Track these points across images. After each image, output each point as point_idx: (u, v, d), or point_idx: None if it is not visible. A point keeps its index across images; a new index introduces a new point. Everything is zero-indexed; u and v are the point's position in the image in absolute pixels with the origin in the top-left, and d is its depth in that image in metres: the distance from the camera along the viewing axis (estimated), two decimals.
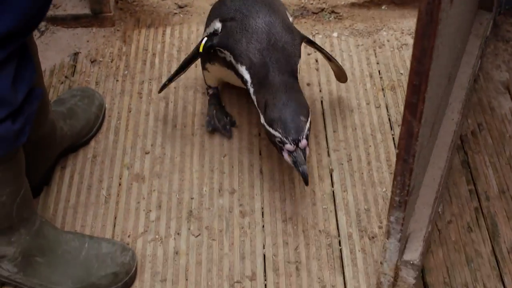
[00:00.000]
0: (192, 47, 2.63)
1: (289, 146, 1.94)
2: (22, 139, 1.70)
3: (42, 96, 1.75)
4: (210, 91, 2.39)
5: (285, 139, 1.94)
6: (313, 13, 2.80)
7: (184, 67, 2.24)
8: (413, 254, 1.89)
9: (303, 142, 1.94)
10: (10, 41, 1.55)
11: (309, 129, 1.97)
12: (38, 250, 1.94)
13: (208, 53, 2.16)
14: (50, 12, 2.68)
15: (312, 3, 2.82)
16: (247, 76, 2.06)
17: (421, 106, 1.49)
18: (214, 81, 2.36)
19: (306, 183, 1.94)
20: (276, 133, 1.95)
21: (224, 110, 2.39)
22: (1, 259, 1.92)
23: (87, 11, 2.70)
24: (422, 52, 1.39)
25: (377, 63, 2.62)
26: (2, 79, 1.57)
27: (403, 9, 2.82)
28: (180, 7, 2.83)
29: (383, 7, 2.82)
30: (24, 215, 1.87)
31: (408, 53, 2.65)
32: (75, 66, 2.61)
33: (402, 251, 1.87)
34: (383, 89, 2.53)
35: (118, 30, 2.74)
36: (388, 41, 2.70)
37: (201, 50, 2.15)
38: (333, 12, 2.81)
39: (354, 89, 2.53)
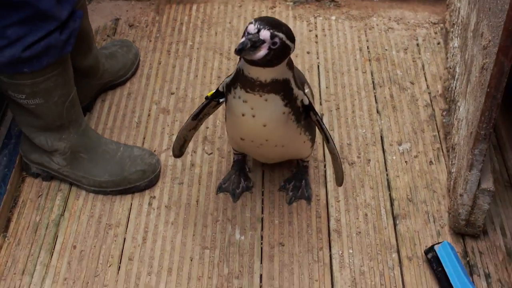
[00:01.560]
0: (213, 22, 3.18)
1: (251, 26, 1.96)
2: (68, 48, 2.20)
3: (82, 16, 2.25)
4: (235, 157, 2.54)
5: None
6: (316, 0, 3.33)
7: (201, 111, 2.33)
8: (488, 182, 2.24)
9: (264, 32, 1.94)
10: None
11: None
12: (83, 147, 2.44)
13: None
14: None
15: None
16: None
17: None
18: (239, 148, 2.46)
19: (235, 51, 1.93)
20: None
21: (245, 174, 2.54)
22: (53, 152, 2.42)
23: None
24: None
25: (367, 41, 3.15)
26: None
27: (391, 1, 3.36)
28: None
29: None
30: (73, 116, 2.38)
31: (393, 35, 3.17)
32: (115, 29, 3.15)
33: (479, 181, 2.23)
34: (369, 60, 3.05)
35: (152, 4, 3.28)
36: (377, 25, 3.23)
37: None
38: (332, 1, 3.34)
39: (345, 58, 3.05)
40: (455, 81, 2.67)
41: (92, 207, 2.45)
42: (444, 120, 2.74)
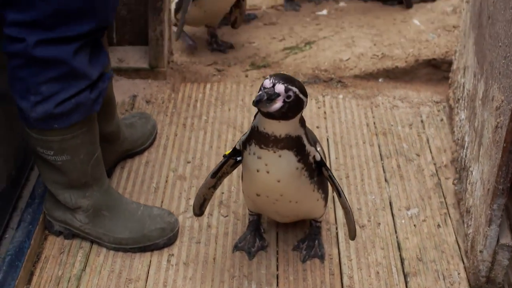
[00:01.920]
0: (227, 99, 3.34)
1: (267, 82, 2.11)
2: (97, 107, 2.34)
3: (112, 78, 2.40)
4: (251, 218, 2.62)
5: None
6: (324, 81, 3.51)
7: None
8: (507, 238, 2.33)
9: (279, 86, 2.09)
10: (87, 36, 2.22)
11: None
12: (105, 205, 2.54)
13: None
14: (116, 65, 3.40)
15: (323, 74, 3.55)
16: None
17: None
18: (254, 208, 2.56)
19: (253, 103, 2.08)
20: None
21: (260, 234, 2.62)
22: (76, 210, 2.52)
23: (145, 65, 3.42)
24: None
25: (373, 117, 3.30)
26: (82, 58, 2.21)
27: (395, 82, 3.54)
28: (219, 70, 3.56)
29: (380, 80, 3.54)
30: (97, 174, 2.49)
31: (398, 112, 3.33)
32: (133, 104, 3.30)
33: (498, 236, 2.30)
34: (376, 134, 3.19)
35: (168, 82, 3.45)
36: (382, 103, 3.39)
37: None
38: (339, 81, 3.52)
39: (353, 132, 3.20)
40: (464, 150, 2.79)
41: (113, 263, 2.53)
42: (456, 188, 2.85)
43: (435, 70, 3.54)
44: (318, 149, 2.37)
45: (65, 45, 2.16)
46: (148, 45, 3.43)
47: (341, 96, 3.44)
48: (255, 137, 2.22)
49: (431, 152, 3.09)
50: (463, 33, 3.10)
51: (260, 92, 2.09)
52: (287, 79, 2.13)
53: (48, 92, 2.21)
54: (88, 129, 2.39)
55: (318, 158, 2.32)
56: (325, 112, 3.32)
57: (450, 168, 2.99)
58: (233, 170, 2.46)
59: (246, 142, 2.27)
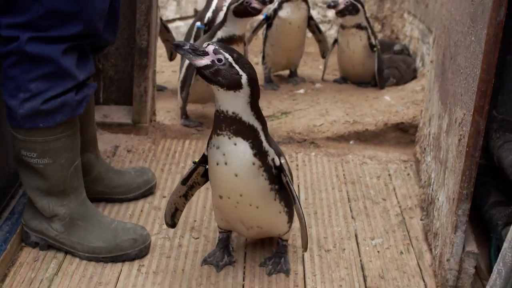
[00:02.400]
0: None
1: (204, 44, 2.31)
2: (80, 110, 2.51)
3: (96, 88, 2.59)
4: (220, 236, 2.71)
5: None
6: (298, 142, 3.71)
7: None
8: (472, 245, 2.42)
9: (210, 47, 2.28)
10: (75, 38, 2.42)
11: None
12: (81, 215, 2.66)
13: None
14: (101, 120, 3.60)
15: (298, 136, 3.75)
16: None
17: (487, 107, 2.24)
18: (223, 222, 2.65)
19: (173, 46, 2.28)
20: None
21: (229, 251, 2.71)
22: (53, 218, 2.63)
23: (129, 121, 3.62)
24: (489, 65, 2.18)
25: (343, 170, 3.47)
26: (69, 59, 2.41)
27: (366, 144, 3.74)
28: (198, 131, 3.76)
29: (351, 142, 3.74)
30: (75, 184, 2.62)
31: (367, 167, 3.50)
32: (114, 153, 3.47)
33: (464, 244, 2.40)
34: (345, 183, 3.35)
35: (149, 137, 3.64)
36: (352, 160, 3.57)
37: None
38: (312, 142, 3.72)
39: (323, 181, 3.35)
40: (431, 186, 2.94)
41: (85, 269, 2.62)
42: (423, 222, 2.98)
43: (403, 133, 3.74)
44: (282, 161, 2.48)
45: (54, 44, 2.37)
46: (132, 104, 3.65)
47: (313, 154, 3.62)
48: (214, 123, 2.37)
49: (397, 197, 3.24)
50: (428, 91, 3.33)
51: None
52: (227, 48, 2.30)
53: (37, 90, 2.39)
54: (69, 135, 2.54)
55: (277, 162, 2.43)
56: (297, 165, 3.49)
57: (414, 210, 3.13)
58: (204, 182, 2.59)
59: (209, 139, 2.42)
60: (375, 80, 4.57)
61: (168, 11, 5.85)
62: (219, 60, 2.26)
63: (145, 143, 3.59)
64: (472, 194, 2.42)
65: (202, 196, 3.11)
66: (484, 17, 2.26)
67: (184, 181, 2.57)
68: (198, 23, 4.26)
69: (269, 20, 4.51)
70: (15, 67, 2.39)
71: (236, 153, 2.36)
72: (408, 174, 3.45)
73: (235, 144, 2.35)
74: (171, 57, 4.52)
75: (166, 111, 4.08)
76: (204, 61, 2.26)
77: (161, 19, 4.18)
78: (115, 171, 3.07)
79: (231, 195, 2.45)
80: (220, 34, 3.62)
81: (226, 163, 2.37)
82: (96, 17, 2.46)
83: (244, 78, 2.29)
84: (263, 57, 4.59)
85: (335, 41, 4.73)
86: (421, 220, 3.04)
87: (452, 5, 2.84)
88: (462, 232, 2.43)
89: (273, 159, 2.42)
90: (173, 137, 3.69)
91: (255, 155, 2.37)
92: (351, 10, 4.51)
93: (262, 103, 4.07)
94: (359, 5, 4.53)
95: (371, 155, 3.63)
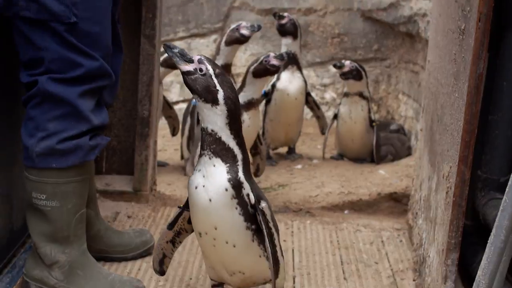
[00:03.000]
0: None
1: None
2: (92, 156, 2.65)
3: (109, 141, 2.74)
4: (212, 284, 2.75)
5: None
6: (294, 211, 3.81)
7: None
8: None
9: (197, 57, 2.43)
10: (95, 79, 2.59)
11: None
12: (81, 265, 2.74)
13: None
14: (102, 188, 3.72)
15: (294, 205, 3.85)
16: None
17: (471, 157, 2.37)
18: (210, 270, 2.69)
19: (163, 45, 2.44)
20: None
21: None
22: (53, 266, 2.71)
23: (130, 189, 3.74)
24: (471, 115, 2.32)
25: (337, 236, 3.56)
26: (86, 103, 2.58)
27: (360, 213, 3.83)
28: None
29: (345, 211, 3.84)
30: (78, 232, 2.73)
31: (361, 234, 3.59)
32: (115, 218, 3.58)
33: None
34: (339, 248, 3.43)
35: (150, 205, 3.75)
36: (346, 228, 3.66)
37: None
38: (308, 212, 3.82)
39: (317, 246, 3.44)
40: (423, 246, 3.02)
41: None
42: (416, 282, 3.05)
43: (396, 203, 3.84)
44: (263, 205, 2.49)
45: (72, 86, 2.54)
46: (133, 174, 3.77)
47: (308, 222, 3.71)
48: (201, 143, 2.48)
49: (389, 261, 3.31)
50: (418, 158, 3.46)
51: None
52: (212, 62, 2.43)
53: (54, 129, 2.55)
54: (80, 180, 2.67)
55: (252, 200, 2.46)
56: (292, 232, 3.58)
57: (406, 272, 3.20)
58: (191, 229, 2.63)
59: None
60: (372, 157, 4.72)
61: (172, 94, 6.07)
62: (201, 70, 2.40)
63: (145, 210, 3.70)
64: (461, 248, 2.49)
65: (198, 257, 3.19)
66: (465, 72, 2.40)
67: (170, 226, 2.66)
68: (193, 100, 4.41)
69: (268, 96, 4.69)
70: (36, 108, 2.56)
71: (213, 174, 2.44)
72: (401, 241, 3.53)
73: (214, 166, 2.44)
74: (174, 132, 4.68)
75: (167, 184, 4.20)
76: (187, 67, 2.41)
77: (164, 97, 4.36)
78: (114, 231, 3.16)
79: (207, 229, 2.49)
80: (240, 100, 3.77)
81: (203, 186, 2.44)
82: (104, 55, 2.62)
83: (220, 94, 2.41)
84: (263, 133, 4.75)
85: (335, 116, 4.90)
86: (413, 280, 3.10)
87: (438, 71, 3.00)
88: (452, 281, 2.47)
89: (248, 195, 2.46)
90: (173, 205, 3.79)
91: (229, 180, 2.43)
92: (355, 74, 4.71)
93: (260, 178, 4.21)
94: (363, 73, 4.74)
95: (365, 223, 3.72)
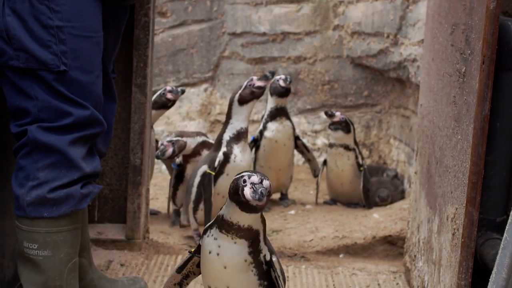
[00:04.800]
0: None
1: (254, 178, 2.32)
2: (84, 204, 2.62)
3: (101, 189, 2.72)
4: None
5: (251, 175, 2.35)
6: (288, 256, 3.79)
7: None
8: None
9: (266, 182, 2.32)
10: (85, 127, 2.57)
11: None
12: None
13: None
14: (95, 236, 3.69)
15: (288, 251, 3.83)
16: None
17: (478, 198, 2.37)
18: None
19: (257, 199, 2.30)
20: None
21: None
22: None
23: (122, 237, 3.71)
24: (478, 157, 2.33)
25: (333, 281, 3.52)
26: (77, 151, 2.56)
27: (355, 257, 3.81)
28: (191, 246, 3.83)
29: (340, 255, 3.81)
30: (71, 281, 2.69)
31: (357, 278, 3.56)
32: (108, 266, 3.54)
33: None
34: None
35: (143, 253, 3.71)
36: (342, 272, 3.63)
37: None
38: (303, 257, 3.79)
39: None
40: None
41: None
42: None
43: (392, 246, 3.82)
44: (274, 258, 2.54)
45: (61, 134, 2.52)
46: (126, 223, 3.75)
47: (303, 267, 3.68)
48: (218, 223, 2.44)
49: None
50: (414, 201, 3.45)
51: (259, 188, 2.29)
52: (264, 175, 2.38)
53: (44, 178, 2.53)
54: (72, 229, 2.64)
55: (268, 257, 2.50)
56: (287, 277, 3.54)
57: None
58: (199, 272, 2.62)
59: (208, 228, 2.49)
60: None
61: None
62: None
63: (138, 258, 3.66)
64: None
65: None
66: (469, 114, 2.41)
67: (179, 270, 2.64)
68: (173, 164, 4.42)
69: (257, 142, 4.69)
70: (26, 157, 2.54)
71: (231, 248, 2.43)
72: (398, 284, 3.50)
73: (235, 243, 2.42)
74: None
75: (159, 232, 4.17)
76: (266, 199, 2.34)
77: (156, 141, 4.35)
78: (108, 279, 3.12)
79: (218, 286, 2.50)
80: (227, 135, 3.76)
81: (218, 254, 2.43)
82: (98, 101, 2.62)
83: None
84: None
85: (325, 161, 4.90)
86: None
87: (434, 115, 3.01)
88: None
89: (264, 256, 2.48)
90: (166, 252, 3.76)
91: (249, 253, 2.43)
92: (343, 127, 4.72)
93: None
94: (351, 126, 4.74)
95: (361, 267, 3.69)
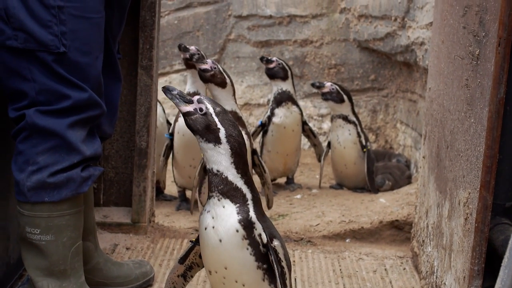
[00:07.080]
0: None
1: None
2: (85, 188, 2.59)
3: (102, 171, 2.68)
4: None
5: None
6: (295, 240, 3.76)
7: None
8: None
9: (197, 97, 2.39)
10: (83, 110, 2.53)
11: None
12: None
13: None
14: (100, 220, 3.67)
15: (294, 235, 3.80)
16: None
17: (493, 183, 2.33)
18: None
19: (162, 88, 2.40)
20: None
21: None
22: None
23: (128, 220, 3.69)
24: (493, 140, 2.29)
25: (339, 265, 3.50)
26: (76, 134, 2.51)
27: (362, 242, 3.78)
28: (196, 230, 3.81)
29: (347, 240, 3.79)
30: (75, 264, 2.67)
31: (363, 263, 3.53)
32: (114, 250, 3.52)
33: None
34: (342, 277, 3.38)
35: (148, 237, 3.69)
36: (349, 256, 3.61)
37: None
38: (309, 241, 3.77)
39: (320, 275, 3.38)
40: (435, 273, 2.97)
41: None
42: None
43: (398, 231, 3.79)
44: (276, 243, 2.44)
45: (60, 117, 2.48)
46: (131, 206, 3.72)
47: (310, 251, 3.66)
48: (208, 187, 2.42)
49: None
50: (422, 185, 3.41)
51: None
52: (212, 101, 2.39)
53: (44, 163, 2.49)
54: (74, 213, 2.61)
55: (264, 239, 2.40)
56: (294, 261, 3.53)
57: None
58: (203, 264, 2.59)
59: (203, 210, 2.46)
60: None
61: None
62: (201, 109, 2.35)
63: (144, 241, 3.64)
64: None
65: None
66: (483, 98, 2.37)
67: (181, 260, 2.60)
68: (166, 134, 4.41)
69: (264, 127, 4.66)
70: (25, 142, 2.50)
71: (222, 215, 2.37)
72: (404, 269, 3.47)
73: (223, 207, 2.38)
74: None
75: (165, 215, 4.15)
76: (187, 108, 2.36)
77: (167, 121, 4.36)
78: (113, 262, 3.10)
79: (217, 268, 2.44)
80: None
81: (213, 227, 2.38)
82: (98, 86, 2.58)
83: (222, 132, 2.35)
84: None
85: (328, 144, 4.87)
86: None
87: (444, 98, 2.97)
88: None
89: (260, 235, 2.40)
90: (172, 236, 3.74)
91: (240, 221, 2.36)
92: (334, 97, 4.69)
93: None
94: (344, 96, 4.71)
95: (367, 251, 3.67)
